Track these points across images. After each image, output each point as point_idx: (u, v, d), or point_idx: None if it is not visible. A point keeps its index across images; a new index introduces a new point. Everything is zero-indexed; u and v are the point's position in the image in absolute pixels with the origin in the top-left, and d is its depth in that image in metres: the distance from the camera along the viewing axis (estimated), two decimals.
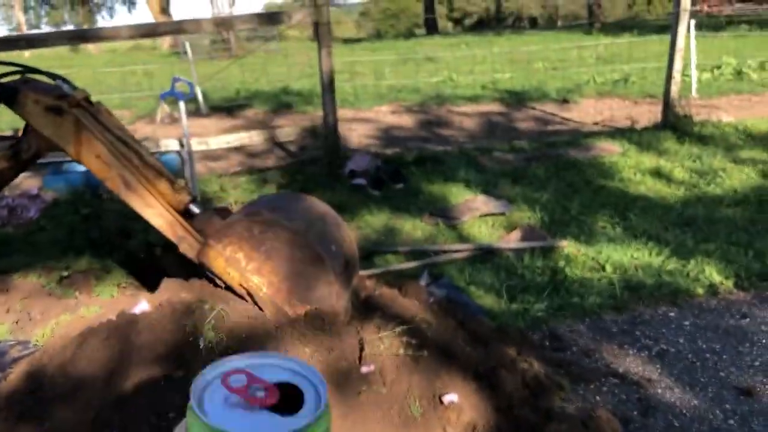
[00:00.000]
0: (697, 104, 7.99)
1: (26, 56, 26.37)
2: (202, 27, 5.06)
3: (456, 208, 4.75)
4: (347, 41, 30.43)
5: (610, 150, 6.14)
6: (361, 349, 2.21)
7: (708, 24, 17.81)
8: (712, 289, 3.42)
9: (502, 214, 4.64)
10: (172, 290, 2.63)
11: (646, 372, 2.73)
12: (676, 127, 6.61)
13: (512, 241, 4.16)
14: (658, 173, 5.43)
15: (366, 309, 2.55)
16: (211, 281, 2.55)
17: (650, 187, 5.15)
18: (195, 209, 2.54)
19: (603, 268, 3.70)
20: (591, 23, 27.74)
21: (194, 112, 10.45)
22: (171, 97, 4.71)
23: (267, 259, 2.33)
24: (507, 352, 2.64)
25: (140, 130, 9.16)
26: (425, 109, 9.69)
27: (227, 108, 10.51)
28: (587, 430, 2.21)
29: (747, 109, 8.25)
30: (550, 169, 5.64)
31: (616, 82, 10.75)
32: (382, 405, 2.07)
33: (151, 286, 3.03)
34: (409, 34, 35.11)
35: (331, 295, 2.34)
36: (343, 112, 9.42)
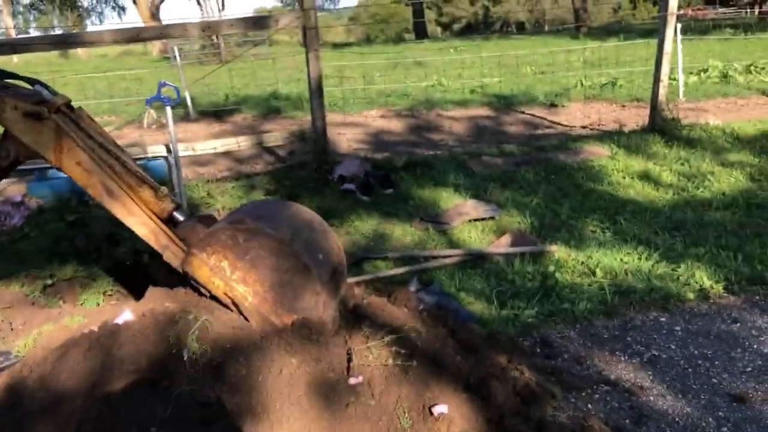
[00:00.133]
0: (684, 107, 8.03)
1: (15, 62, 26.16)
2: (187, 31, 5.01)
3: (446, 213, 4.73)
4: (337, 45, 30.44)
5: (599, 153, 6.14)
6: (349, 360, 2.17)
7: (693, 28, 17.96)
8: (703, 294, 3.41)
9: (492, 218, 4.62)
10: (157, 299, 2.58)
11: (638, 379, 2.70)
12: (663, 131, 6.62)
13: (502, 246, 4.13)
14: (646, 177, 5.43)
15: (354, 318, 2.50)
16: (197, 290, 2.50)
17: (639, 190, 5.15)
18: (179, 217, 2.49)
19: (593, 273, 3.68)
20: (578, 27, 27.91)
21: (183, 117, 10.38)
22: (157, 102, 4.65)
23: (252, 267, 2.28)
24: (498, 360, 2.60)
25: (128, 135, 9.08)
26: (414, 114, 9.67)
27: (216, 113, 10.45)
28: None
29: (733, 112, 8.29)
30: (539, 173, 5.63)
31: (604, 86, 10.79)
32: (370, 417, 2.03)
33: (138, 293, 2.98)
34: (399, 39, 35.20)
35: (319, 305, 2.30)
36: (332, 117, 9.39)
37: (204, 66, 19.60)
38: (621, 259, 3.81)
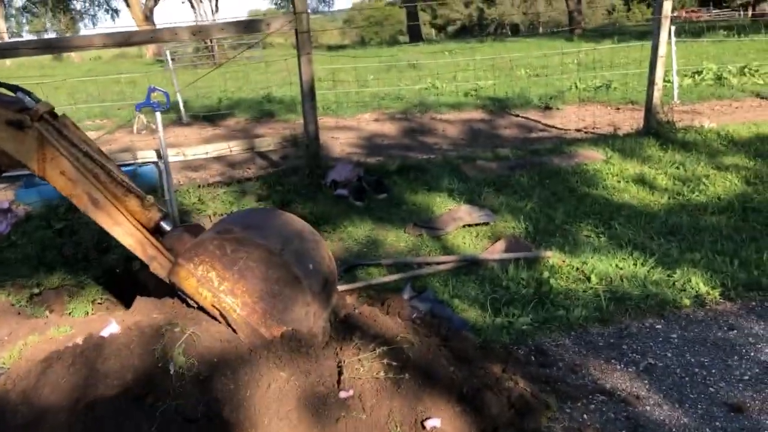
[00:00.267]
0: (678, 110, 8.02)
1: (8, 65, 26.03)
2: (177, 35, 4.95)
3: (439, 219, 4.68)
4: (331, 48, 30.41)
5: (594, 157, 6.11)
6: (340, 373, 2.12)
7: (687, 30, 17.99)
8: (699, 300, 3.37)
9: (486, 224, 4.58)
10: (145, 310, 2.53)
11: (634, 388, 2.66)
12: (658, 134, 6.60)
13: (496, 252, 4.09)
14: (641, 180, 5.40)
15: (345, 328, 2.45)
16: (185, 301, 2.45)
17: (634, 194, 5.11)
18: (166, 226, 2.44)
19: (588, 279, 3.64)
20: (572, 30, 27.95)
21: (176, 121, 10.31)
22: (147, 107, 4.59)
23: (240, 278, 2.23)
24: (492, 370, 2.56)
25: (120, 140, 9.01)
26: (408, 117, 9.63)
27: (209, 116, 10.39)
28: None
29: (728, 115, 8.29)
30: (533, 177, 5.59)
31: (598, 89, 10.78)
32: None
33: (128, 301, 2.93)
34: (393, 41, 35.18)
35: (309, 316, 2.25)
36: (325, 121, 9.35)
37: (198, 69, 19.53)
38: (616, 265, 3.77)
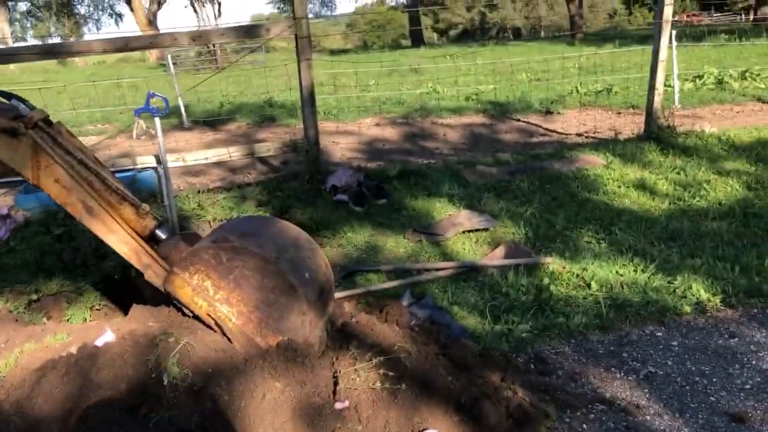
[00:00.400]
0: (679, 114, 7.99)
1: (12, 69, 26.08)
2: (177, 41, 4.94)
3: (439, 224, 4.66)
4: (334, 52, 30.44)
5: (594, 162, 6.09)
6: (336, 383, 2.10)
7: (688, 34, 17.97)
8: (700, 307, 3.35)
9: (486, 229, 4.56)
10: (141, 318, 2.51)
11: (634, 397, 2.63)
12: (659, 138, 6.57)
13: (496, 258, 4.07)
14: (642, 186, 5.37)
15: (342, 337, 2.43)
16: (180, 310, 2.44)
17: (635, 200, 5.09)
18: (161, 234, 2.43)
19: (588, 286, 3.61)
20: (573, 34, 27.92)
21: (177, 126, 10.31)
22: (146, 113, 4.58)
23: (236, 287, 2.22)
24: (491, 379, 2.53)
25: (120, 144, 9.01)
26: (409, 121, 9.62)
27: (210, 121, 10.39)
28: None
29: (729, 119, 8.26)
30: (534, 182, 5.57)
31: (599, 93, 10.75)
32: None
33: (126, 307, 2.91)
34: (396, 45, 35.19)
35: (305, 325, 2.23)
36: (326, 125, 9.34)
37: (200, 73, 19.55)
38: (616, 271, 3.74)
